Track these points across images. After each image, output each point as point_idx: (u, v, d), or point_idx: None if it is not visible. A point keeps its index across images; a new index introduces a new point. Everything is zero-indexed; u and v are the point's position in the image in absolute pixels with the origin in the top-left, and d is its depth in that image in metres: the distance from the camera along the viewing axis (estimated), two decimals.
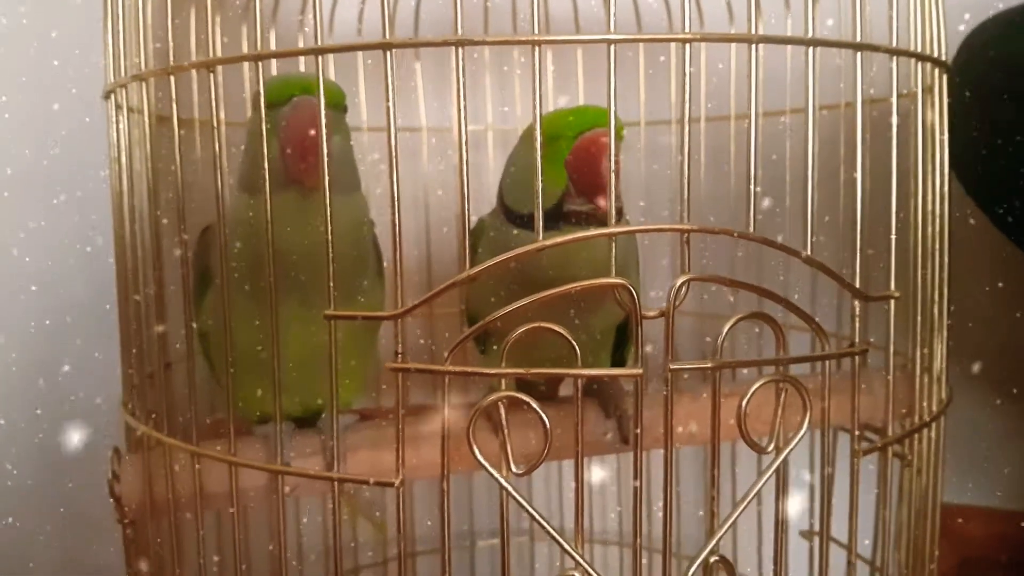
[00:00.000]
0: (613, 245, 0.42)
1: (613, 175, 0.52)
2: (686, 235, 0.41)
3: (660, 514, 0.54)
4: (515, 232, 0.58)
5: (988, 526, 0.96)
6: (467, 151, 0.41)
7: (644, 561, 0.43)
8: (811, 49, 0.42)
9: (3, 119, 0.77)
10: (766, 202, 0.73)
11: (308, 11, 0.82)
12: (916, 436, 0.55)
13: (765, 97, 0.79)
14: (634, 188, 0.87)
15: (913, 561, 0.54)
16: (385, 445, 0.59)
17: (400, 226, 0.42)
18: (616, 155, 0.52)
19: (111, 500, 0.58)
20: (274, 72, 0.69)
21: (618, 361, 0.68)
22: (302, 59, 0.78)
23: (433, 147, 0.92)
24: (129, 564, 0.61)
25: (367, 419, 0.64)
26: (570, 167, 0.55)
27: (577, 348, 0.42)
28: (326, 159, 0.52)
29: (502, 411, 0.42)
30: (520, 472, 0.42)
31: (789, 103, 0.79)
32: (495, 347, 0.66)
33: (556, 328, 0.41)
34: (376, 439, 0.59)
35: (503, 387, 0.43)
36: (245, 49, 0.71)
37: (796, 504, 0.46)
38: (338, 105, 0.56)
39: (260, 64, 0.43)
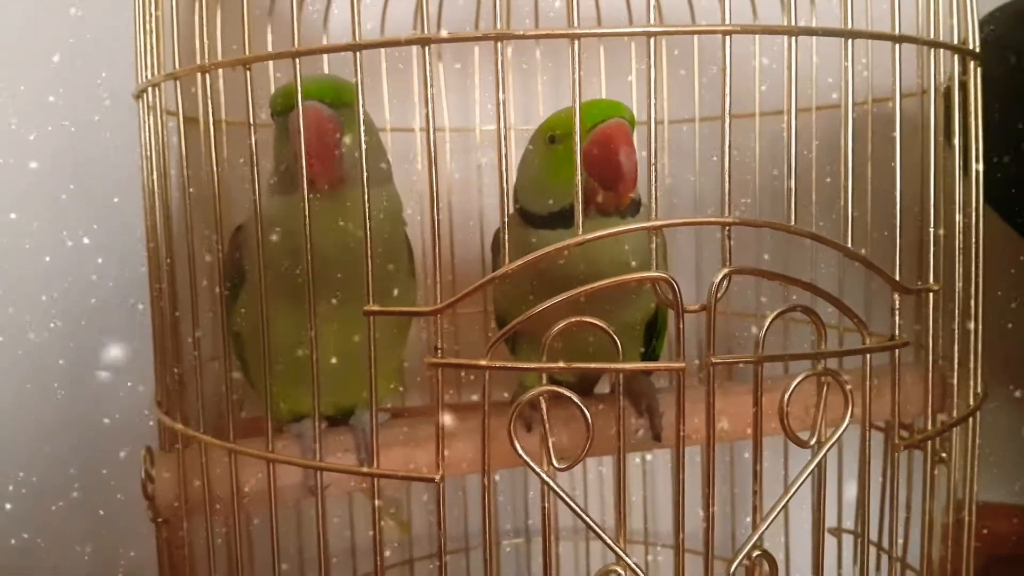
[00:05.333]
0: (655, 239, 0.41)
1: (635, 165, 0.53)
2: (727, 228, 0.40)
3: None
4: (532, 232, 0.58)
5: (1016, 524, 0.95)
6: (508, 147, 0.41)
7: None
8: (848, 41, 0.42)
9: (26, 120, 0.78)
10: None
11: (333, 9, 0.82)
12: (951, 432, 0.55)
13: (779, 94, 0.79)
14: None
15: (953, 557, 0.53)
16: (417, 443, 0.59)
17: (438, 223, 0.42)
18: (630, 145, 0.53)
19: (144, 499, 0.59)
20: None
21: (648, 358, 0.67)
22: (325, 59, 0.79)
23: (455, 147, 0.92)
24: (162, 563, 0.61)
25: (398, 417, 0.64)
26: (587, 159, 0.55)
27: (618, 341, 0.42)
28: (342, 158, 0.53)
29: (543, 406, 0.42)
30: (562, 467, 0.42)
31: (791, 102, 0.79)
32: (525, 346, 0.67)
33: (596, 322, 0.41)
34: (408, 437, 0.59)
35: (543, 382, 0.42)
36: (270, 50, 0.72)
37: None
38: (346, 103, 0.55)
39: (298, 61, 0.43)
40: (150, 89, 0.54)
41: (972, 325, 0.53)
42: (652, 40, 0.39)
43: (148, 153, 0.56)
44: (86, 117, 0.78)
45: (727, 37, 0.39)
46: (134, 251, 0.72)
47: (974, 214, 0.53)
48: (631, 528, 1.05)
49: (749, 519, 0.88)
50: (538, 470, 0.41)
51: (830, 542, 0.78)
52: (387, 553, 0.94)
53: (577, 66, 0.39)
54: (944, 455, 0.59)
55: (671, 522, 0.95)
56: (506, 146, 0.41)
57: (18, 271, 0.78)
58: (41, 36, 0.78)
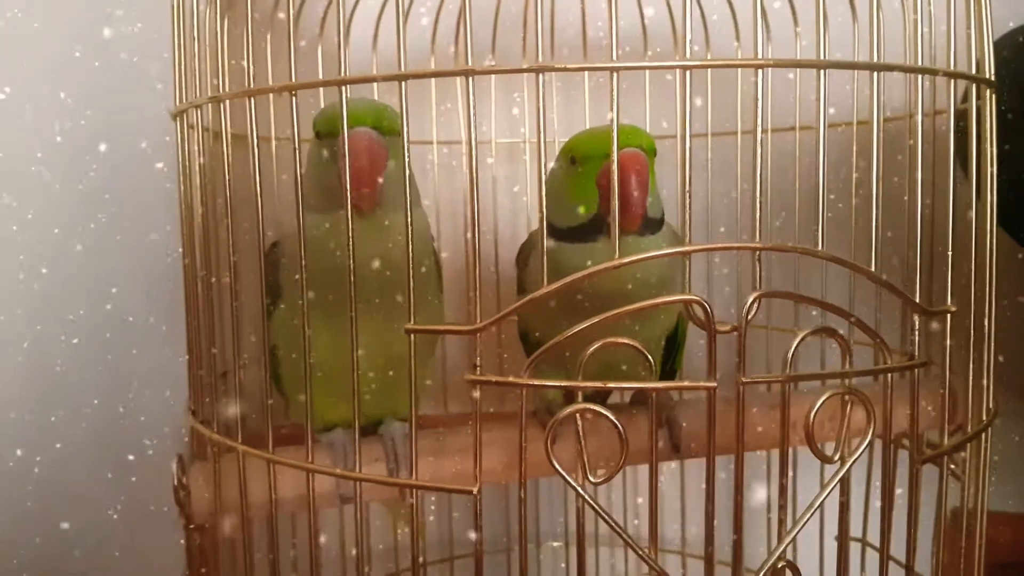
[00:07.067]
0: (687, 263, 0.43)
1: (643, 195, 0.55)
2: (758, 253, 0.42)
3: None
4: (555, 245, 0.60)
5: (1018, 532, 0.97)
6: (544, 165, 0.42)
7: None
8: (877, 73, 0.44)
9: (62, 130, 0.79)
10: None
11: (381, 34, 0.84)
12: (966, 446, 0.57)
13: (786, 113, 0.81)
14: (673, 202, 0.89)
15: (964, 567, 0.55)
16: (444, 453, 0.60)
17: (478, 242, 0.44)
18: (641, 176, 0.55)
19: (177, 506, 0.60)
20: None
21: (668, 372, 0.69)
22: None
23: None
24: (192, 568, 0.62)
25: (422, 428, 0.66)
26: (601, 186, 0.57)
27: (651, 360, 0.43)
28: (382, 182, 0.55)
29: (580, 424, 0.44)
30: (598, 481, 0.44)
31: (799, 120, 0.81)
32: (548, 360, 0.68)
33: (631, 343, 0.43)
34: (436, 447, 0.61)
35: (579, 399, 0.44)
36: (320, 74, 0.74)
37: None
38: (393, 131, 0.57)
39: (343, 88, 0.45)
40: (191, 109, 0.55)
41: (985, 343, 0.55)
42: (689, 73, 0.41)
43: (187, 171, 0.58)
44: (120, 132, 0.79)
45: (760, 71, 0.41)
46: (166, 262, 0.74)
47: (988, 236, 0.55)
48: (640, 536, 1.06)
49: (755, 529, 0.90)
50: (575, 485, 0.43)
51: (835, 548, 0.80)
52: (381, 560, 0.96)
53: (616, 96, 0.41)
54: (953, 466, 0.60)
55: (678, 531, 0.97)
56: (540, 169, 0.42)
57: (51, 281, 0.79)
58: (75, 53, 0.79)
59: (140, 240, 0.80)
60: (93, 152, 0.79)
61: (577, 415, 0.44)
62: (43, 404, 0.79)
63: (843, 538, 0.47)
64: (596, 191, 0.58)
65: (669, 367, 0.69)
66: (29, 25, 0.77)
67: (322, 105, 0.74)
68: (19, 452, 0.77)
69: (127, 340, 0.81)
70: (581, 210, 0.59)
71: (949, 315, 0.49)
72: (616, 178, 0.45)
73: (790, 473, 0.80)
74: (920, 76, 0.46)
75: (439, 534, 0.99)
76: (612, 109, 0.41)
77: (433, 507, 0.99)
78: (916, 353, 0.46)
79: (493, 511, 0.98)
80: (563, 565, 1.03)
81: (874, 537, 0.63)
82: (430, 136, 0.90)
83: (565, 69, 0.41)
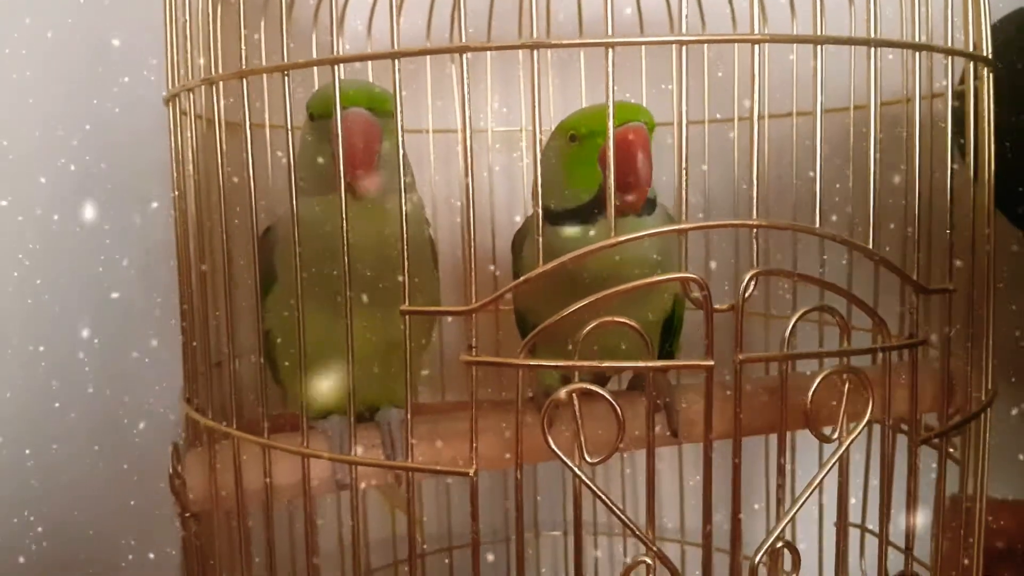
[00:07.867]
0: (684, 242, 0.43)
1: (649, 171, 0.54)
2: (755, 231, 0.42)
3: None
4: (550, 228, 0.59)
5: (1016, 518, 0.97)
6: (539, 148, 0.42)
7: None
8: (873, 49, 0.43)
9: (52, 118, 0.78)
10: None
11: (375, 25, 0.83)
12: (963, 428, 0.57)
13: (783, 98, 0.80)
14: (667, 185, 0.89)
15: (964, 555, 0.55)
16: (441, 439, 0.60)
17: (473, 225, 0.43)
18: (647, 151, 0.54)
19: (172, 495, 0.60)
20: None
21: (665, 357, 0.69)
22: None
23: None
24: (188, 556, 0.62)
25: (418, 415, 0.65)
26: (604, 163, 0.56)
27: (648, 339, 0.43)
28: (379, 163, 0.55)
29: (576, 404, 0.44)
30: (595, 461, 0.43)
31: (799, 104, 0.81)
32: (544, 343, 0.68)
33: (629, 322, 0.43)
34: (432, 433, 0.60)
35: (576, 379, 0.44)
36: (315, 54, 0.73)
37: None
38: (387, 112, 0.57)
39: (336, 68, 0.44)
40: (183, 93, 0.55)
41: (984, 324, 0.55)
42: (684, 49, 0.40)
43: (179, 157, 0.57)
44: (111, 115, 0.78)
45: (757, 47, 0.40)
46: (161, 249, 0.74)
47: (986, 216, 0.55)
48: (638, 521, 1.06)
49: (754, 515, 0.90)
50: (572, 465, 0.43)
51: (834, 535, 0.80)
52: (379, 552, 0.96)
53: (612, 72, 0.41)
54: (952, 450, 0.60)
55: (676, 517, 0.97)
56: (536, 148, 0.42)
57: (48, 275, 0.78)
58: (64, 39, 0.78)
59: (135, 229, 0.80)
60: (89, 141, 0.78)
61: (574, 395, 0.43)
62: (41, 396, 0.78)
63: (842, 519, 0.47)
64: (598, 169, 0.57)
65: (666, 351, 0.68)
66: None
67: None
68: (17, 445, 0.77)
69: (123, 330, 0.80)
70: (582, 190, 0.58)
71: (949, 295, 0.49)
72: (616, 155, 0.45)
73: (788, 455, 0.81)
74: (917, 54, 0.45)
75: (437, 525, 0.98)
76: (607, 86, 0.41)
77: (431, 497, 0.99)
78: (915, 332, 0.46)
79: (492, 503, 0.97)
80: (562, 557, 1.02)
81: (873, 524, 0.63)
82: (425, 125, 0.89)
83: (560, 45, 0.41)
